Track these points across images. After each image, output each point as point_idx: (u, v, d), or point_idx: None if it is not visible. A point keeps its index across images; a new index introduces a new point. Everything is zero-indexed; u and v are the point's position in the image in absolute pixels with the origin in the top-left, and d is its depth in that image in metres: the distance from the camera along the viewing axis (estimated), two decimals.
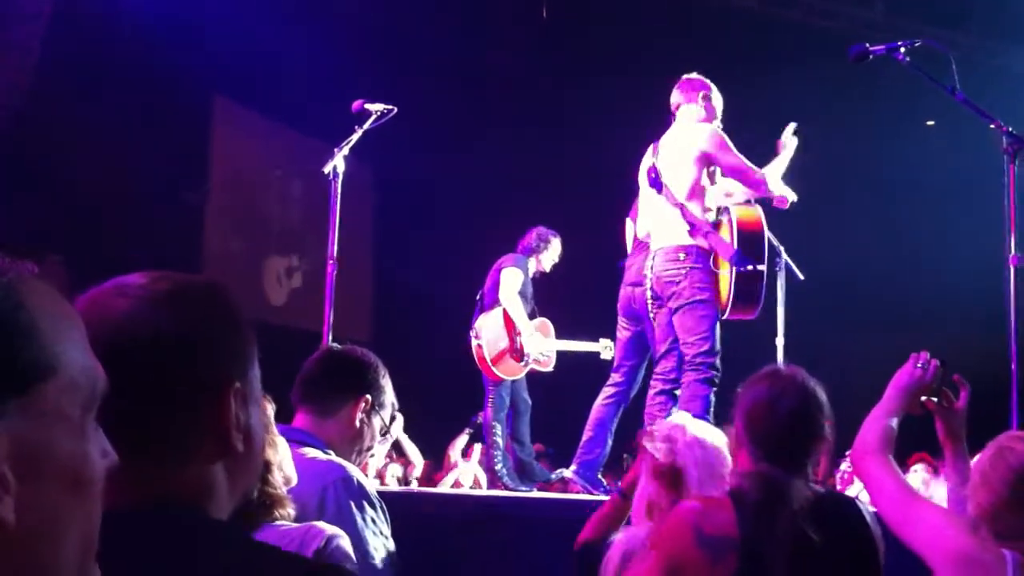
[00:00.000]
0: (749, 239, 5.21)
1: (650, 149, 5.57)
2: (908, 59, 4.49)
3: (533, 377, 6.90)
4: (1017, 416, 4.02)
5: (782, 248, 5.86)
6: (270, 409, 2.07)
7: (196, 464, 1.10)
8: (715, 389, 5.14)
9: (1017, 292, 4.17)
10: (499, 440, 6.56)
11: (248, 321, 1.20)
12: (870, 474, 2.40)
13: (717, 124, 5.45)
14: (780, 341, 5.75)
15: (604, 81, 9.96)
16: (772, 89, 9.76)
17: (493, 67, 10.51)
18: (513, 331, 6.58)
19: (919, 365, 2.55)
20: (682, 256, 5.22)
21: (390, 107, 5.25)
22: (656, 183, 5.38)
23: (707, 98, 5.47)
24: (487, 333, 6.53)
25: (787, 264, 5.84)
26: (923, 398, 2.57)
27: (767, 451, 2.43)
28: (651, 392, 5.44)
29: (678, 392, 5.30)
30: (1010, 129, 4.28)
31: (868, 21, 10.12)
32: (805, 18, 10.28)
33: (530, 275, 6.81)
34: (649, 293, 5.41)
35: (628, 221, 6.19)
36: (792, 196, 5.44)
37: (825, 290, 7.29)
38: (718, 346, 5.19)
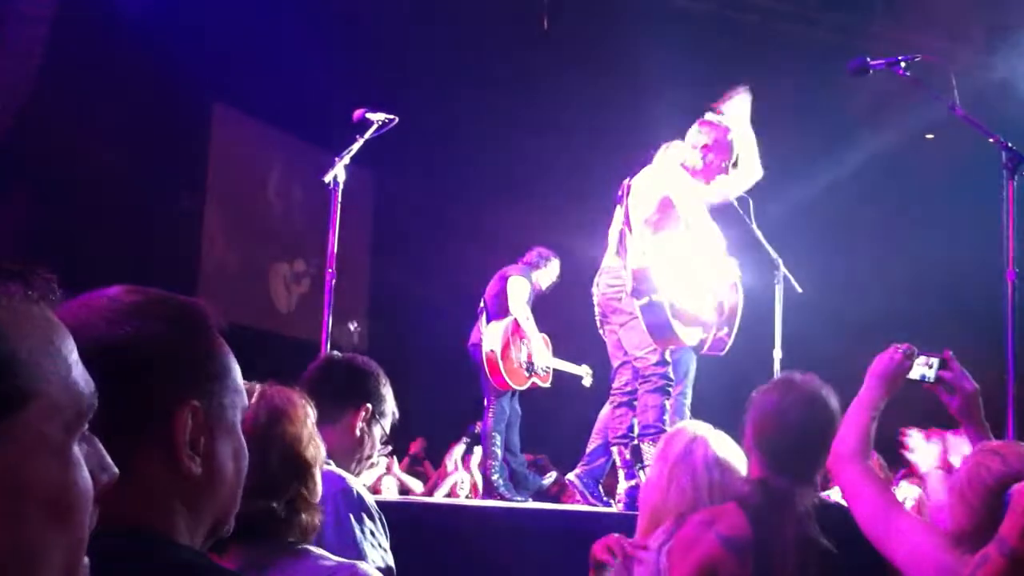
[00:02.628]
0: (639, 275, 5.21)
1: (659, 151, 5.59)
2: (907, 73, 4.50)
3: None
4: (1014, 430, 4.02)
5: (780, 261, 5.86)
6: (311, 413, 2.03)
7: (148, 484, 1.08)
8: (668, 398, 5.26)
9: (1014, 307, 4.18)
10: (498, 451, 6.55)
11: (224, 346, 1.16)
12: (848, 482, 2.36)
13: (699, 185, 5.39)
14: (778, 354, 5.75)
15: (605, 92, 9.98)
16: (771, 101, 9.78)
17: (493, 77, 10.52)
18: (523, 341, 6.59)
19: (900, 350, 2.51)
20: (623, 274, 5.31)
21: (391, 117, 5.25)
22: (620, 199, 5.46)
23: (711, 155, 5.40)
24: (499, 341, 6.53)
25: (785, 277, 5.84)
26: (924, 383, 2.53)
27: (774, 460, 2.46)
28: (611, 407, 5.54)
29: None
30: (1009, 144, 4.29)
31: (867, 34, 10.15)
32: (805, 31, 10.31)
33: (531, 287, 6.82)
34: (597, 311, 5.52)
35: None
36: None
37: (823, 303, 7.29)
38: (668, 357, 5.30)
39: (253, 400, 1.86)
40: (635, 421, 5.37)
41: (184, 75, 8.51)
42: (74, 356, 0.80)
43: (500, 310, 6.66)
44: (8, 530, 0.72)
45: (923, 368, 2.52)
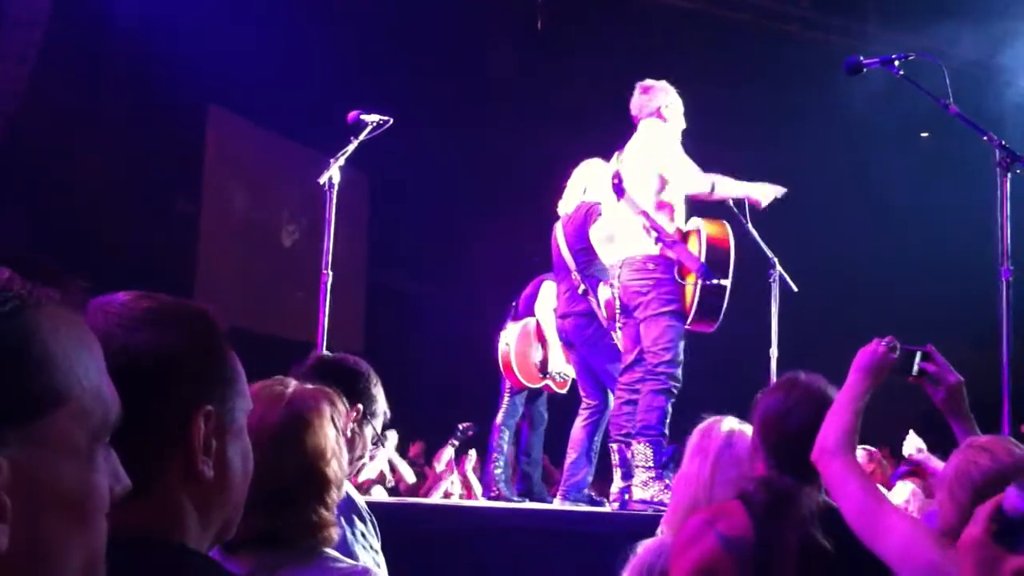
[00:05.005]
0: (716, 255, 5.20)
1: (614, 157, 5.60)
2: (902, 72, 4.51)
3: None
4: (1009, 429, 4.02)
5: (776, 259, 5.86)
6: (341, 417, 1.94)
7: (161, 489, 1.09)
8: (672, 400, 5.17)
9: (1009, 305, 4.18)
10: (504, 445, 6.59)
11: (234, 352, 1.18)
12: (833, 476, 2.33)
13: (676, 136, 5.42)
14: (774, 352, 5.75)
15: (600, 91, 9.99)
16: (767, 100, 9.80)
17: (489, 78, 10.53)
18: (542, 343, 6.62)
19: (883, 343, 2.48)
20: (651, 266, 5.22)
21: (386, 118, 5.24)
22: (619, 189, 5.40)
23: (667, 109, 5.47)
24: (516, 340, 6.59)
25: (781, 276, 5.83)
26: (909, 378, 2.52)
27: (778, 459, 2.44)
28: (617, 402, 5.45)
29: None
30: (1003, 142, 4.29)
31: (862, 34, 10.17)
32: (801, 31, 10.32)
33: None
34: (617, 303, 5.40)
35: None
36: (761, 196, 5.38)
37: (819, 302, 7.29)
38: (681, 357, 5.21)
39: (283, 402, 1.83)
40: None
41: (178, 78, 8.50)
42: (102, 365, 0.81)
43: (528, 312, 6.74)
44: (29, 529, 0.72)
45: (905, 361, 2.50)
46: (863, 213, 10.74)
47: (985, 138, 4.33)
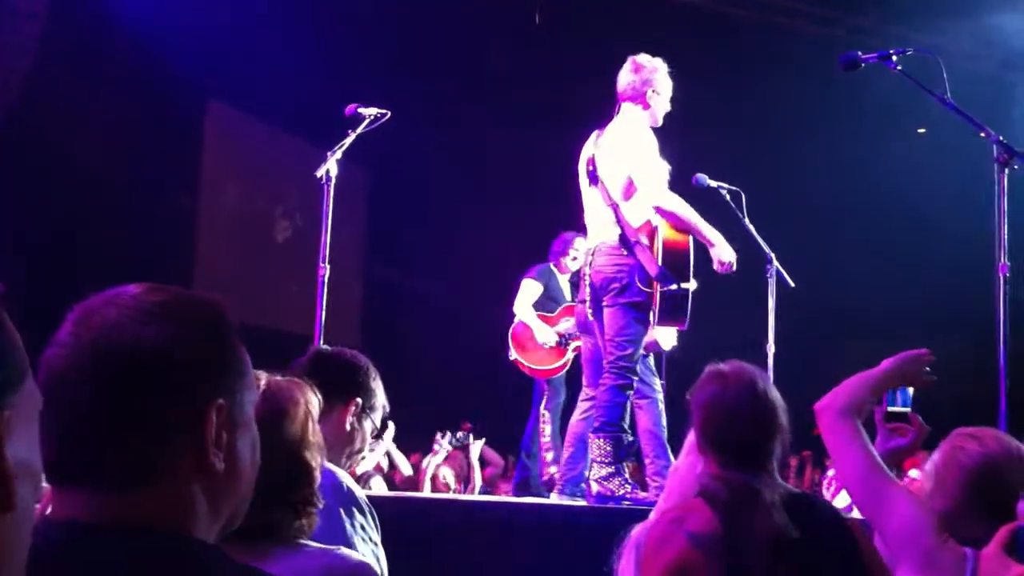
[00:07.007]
0: (674, 259, 5.03)
1: (592, 136, 5.45)
2: (899, 67, 4.51)
3: (519, 384, 6.96)
4: (1006, 424, 4.03)
5: (773, 255, 5.86)
6: (315, 408, 1.98)
7: (172, 481, 1.10)
8: (630, 391, 5.08)
9: (1006, 300, 4.19)
10: (544, 433, 6.75)
11: (243, 344, 1.19)
12: (834, 433, 2.32)
13: (651, 138, 5.23)
14: (771, 349, 5.75)
15: (602, 87, 9.98)
16: (764, 95, 9.79)
17: (487, 71, 10.52)
18: (529, 337, 6.76)
19: (924, 360, 2.46)
20: (625, 252, 5.07)
21: (384, 111, 5.24)
22: (593, 176, 5.28)
23: (655, 94, 5.29)
24: (513, 349, 6.83)
25: (778, 271, 5.83)
26: (890, 416, 2.50)
27: (730, 455, 2.40)
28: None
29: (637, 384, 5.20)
30: (1000, 138, 4.29)
31: (860, 28, 10.15)
32: (799, 25, 10.31)
33: (557, 279, 7.04)
34: (588, 292, 5.25)
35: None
36: (717, 242, 5.15)
37: (816, 297, 7.29)
38: (639, 353, 5.12)
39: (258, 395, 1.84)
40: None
41: (178, 72, 8.49)
42: None
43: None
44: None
45: (896, 402, 2.49)
46: (860, 207, 10.74)
47: (983, 134, 4.34)
